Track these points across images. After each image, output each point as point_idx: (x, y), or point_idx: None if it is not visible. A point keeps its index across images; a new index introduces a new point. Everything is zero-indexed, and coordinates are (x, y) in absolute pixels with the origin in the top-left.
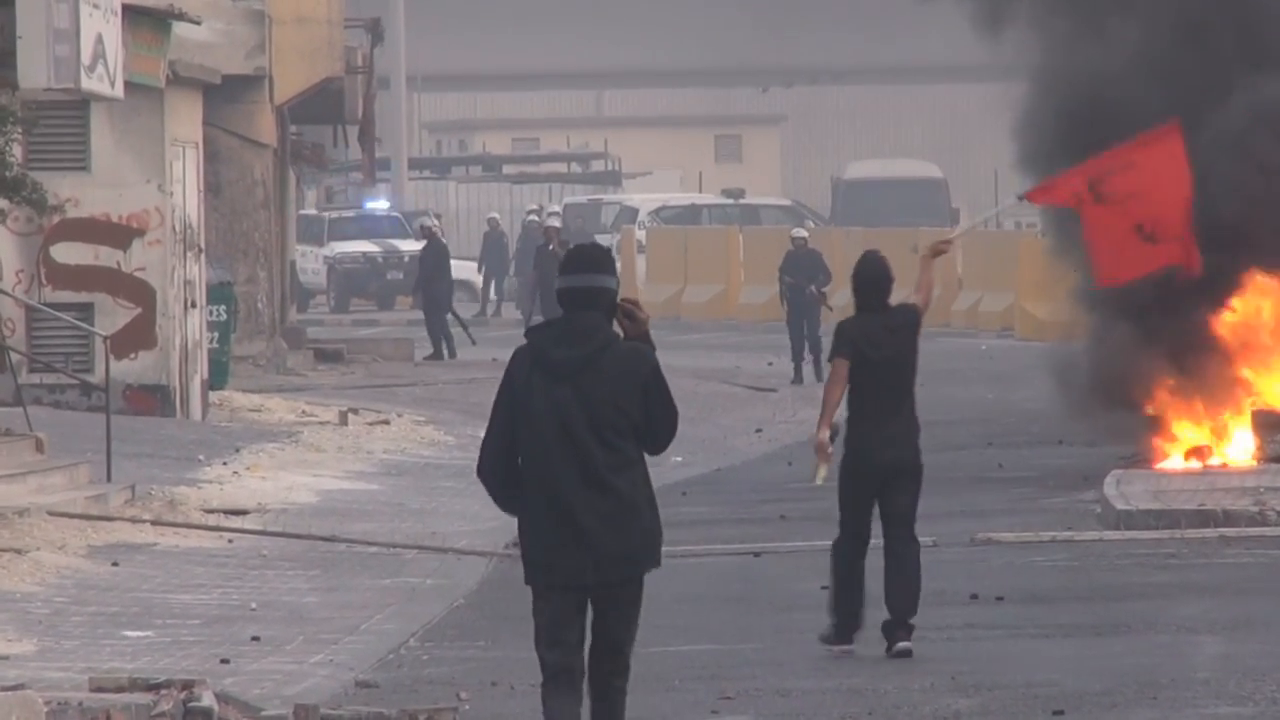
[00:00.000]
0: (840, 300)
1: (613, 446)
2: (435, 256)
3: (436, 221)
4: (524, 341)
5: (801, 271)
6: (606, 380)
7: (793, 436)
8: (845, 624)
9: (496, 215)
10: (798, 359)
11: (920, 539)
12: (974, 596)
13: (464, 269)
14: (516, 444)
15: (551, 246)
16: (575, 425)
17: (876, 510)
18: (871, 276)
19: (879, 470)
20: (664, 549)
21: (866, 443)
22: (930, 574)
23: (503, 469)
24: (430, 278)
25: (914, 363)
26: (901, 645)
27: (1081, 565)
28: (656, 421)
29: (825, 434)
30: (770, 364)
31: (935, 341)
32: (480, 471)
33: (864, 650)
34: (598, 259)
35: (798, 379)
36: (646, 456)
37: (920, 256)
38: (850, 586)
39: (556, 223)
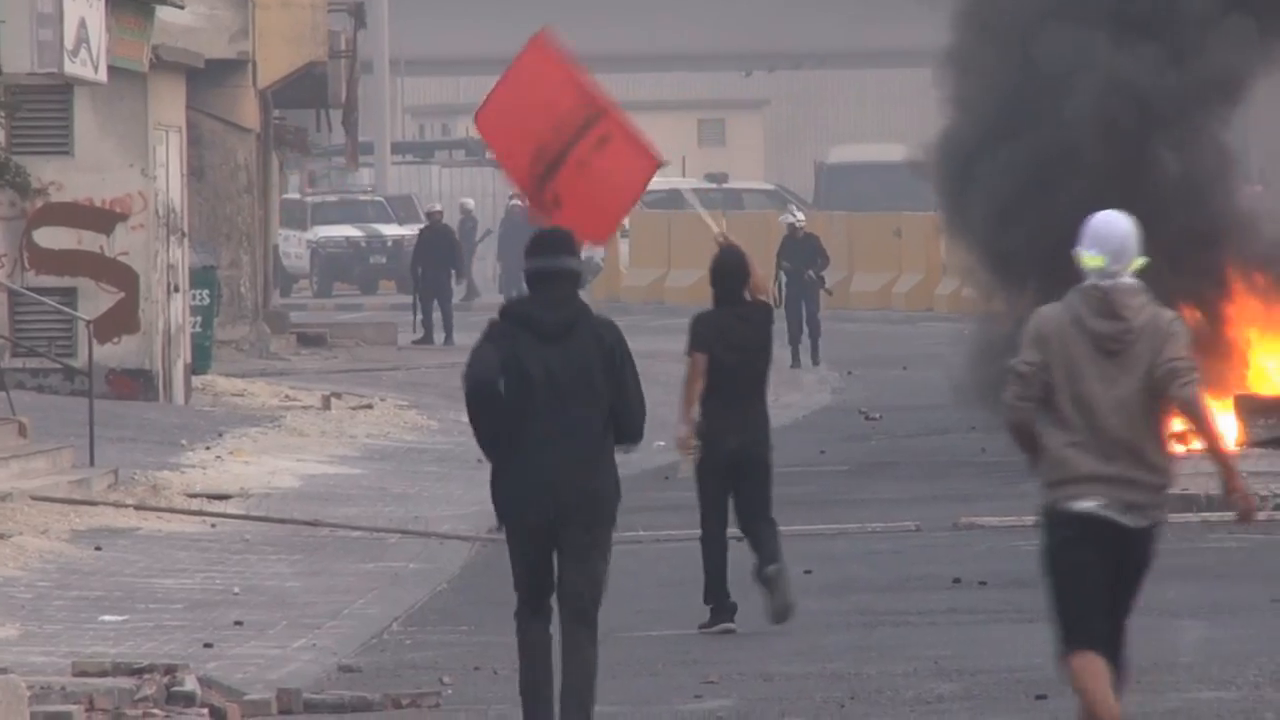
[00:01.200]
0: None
1: (592, 406)
2: (437, 240)
3: (437, 206)
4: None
5: (799, 257)
6: (588, 345)
7: (776, 420)
8: (721, 607)
9: (470, 201)
10: (795, 343)
11: (904, 523)
12: (957, 581)
13: None
14: (495, 404)
15: None
16: (562, 384)
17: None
18: (728, 269)
19: (729, 460)
20: (647, 533)
21: (718, 433)
22: (913, 559)
23: (495, 430)
24: (432, 263)
25: (767, 357)
26: (724, 626)
27: None
28: (628, 391)
29: (685, 430)
30: None
31: (919, 326)
32: (479, 436)
33: (846, 635)
34: (563, 242)
35: (796, 363)
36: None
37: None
38: (718, 569)
39: None
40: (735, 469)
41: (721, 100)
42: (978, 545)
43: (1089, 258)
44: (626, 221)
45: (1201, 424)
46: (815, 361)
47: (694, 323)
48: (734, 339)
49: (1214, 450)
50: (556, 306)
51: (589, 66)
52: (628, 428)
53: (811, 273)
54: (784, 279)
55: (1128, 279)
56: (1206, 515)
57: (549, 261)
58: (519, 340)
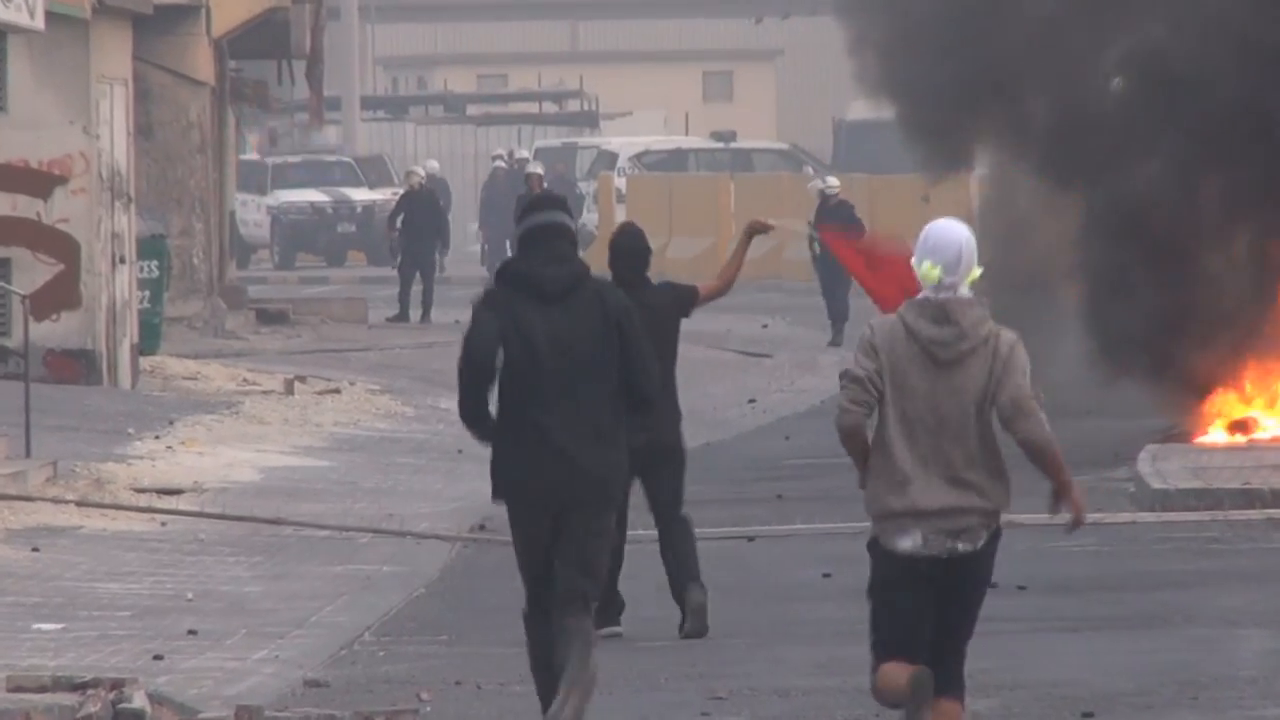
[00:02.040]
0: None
1: (600, 373)
2: (419, 207)
3: (421, 171)
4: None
5: (833, 226)
6: (592, 306)
7: (790, 407)
8: (607, 608)
9: (434, 164)
10: (838, 319)
11: None
12: (993, 585)
13: None
14: (491, 377)
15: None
16: (567, 349)
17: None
18: (628, 249)
19: (637, 452)
20: (646, 533)
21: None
22: None
23: (484, 403)
24: (415, 232)
25: (673, 345)
26: (610, 630)
27: (1113, 551)
28: (638, 355)
29: None
30: (765, 326)
31: None
32: (464, 414)
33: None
34: (559, 200)
35: (837, 340)
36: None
37: (740, 238)
38: (612, 569)
39: (539, 169)
40: (643, 463)
41: (728, 50)
42: (1015, 546)
43: (927, 268)
44: (623, 185)
45: (1048, 459)
46: (836, 343)
47: None
48: None
49: (1060, 479)
50: (557, 263)
51: (581, 13)
52: (639, 394)
53: None
54: (817, 250)
55: (965, 291)
56: (1271, 512)
57: (544, 216)
58: (518, 304)
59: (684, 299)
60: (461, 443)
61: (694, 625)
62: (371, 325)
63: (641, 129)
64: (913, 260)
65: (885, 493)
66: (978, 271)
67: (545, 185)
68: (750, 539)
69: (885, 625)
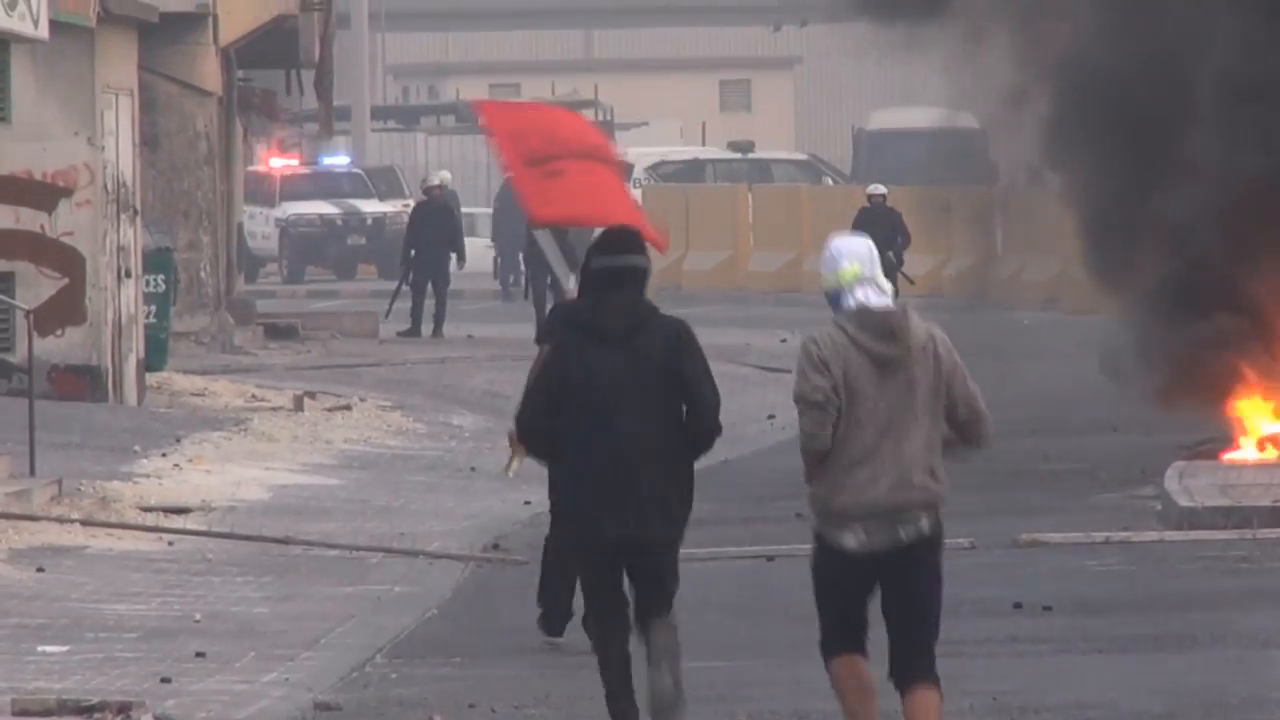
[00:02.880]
0: (926, 264)
1: (660, 411)
2: (433, 218)
3: (438, 180)
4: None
5: (875, 234)
6: (654, 347)
7: None
8: (554, 614)
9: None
10: None
11: (957, 540)
12: (1017, 606)
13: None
14: (558, 408)
15: None
16: (626, 390)
17: None
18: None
19: None
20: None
21: None
22: (968, 581)
23: (547, 428)
24: (429, 243)
25: None
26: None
27: (1139, 570)
28: (699, 392)
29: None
30: (784, 340)
31: (970, 315)
32: (521, 425)
33: None
34: (632, 240)
35: None
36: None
37: None
38: (562, 576)
39: None
40: None
41: (746, 58)
42: (1041, 565)
43: (846, 270)
44: (638, 196)
45: (970, 453)
46: None
47: (552, 311)
48: None
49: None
50: (621, 311)
51: (595, 21)
52: (699, 431)
53: (891, 253)
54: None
55: (889, 295)
56: None
57: (617, 260)
58: (581, 348)
59: None
60: (475, 460)
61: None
62: (382, 340)
63: (657, 139)
64: (824, 271)
65: (832, 490)
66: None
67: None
68: (770, 558)
69: (827, 607)
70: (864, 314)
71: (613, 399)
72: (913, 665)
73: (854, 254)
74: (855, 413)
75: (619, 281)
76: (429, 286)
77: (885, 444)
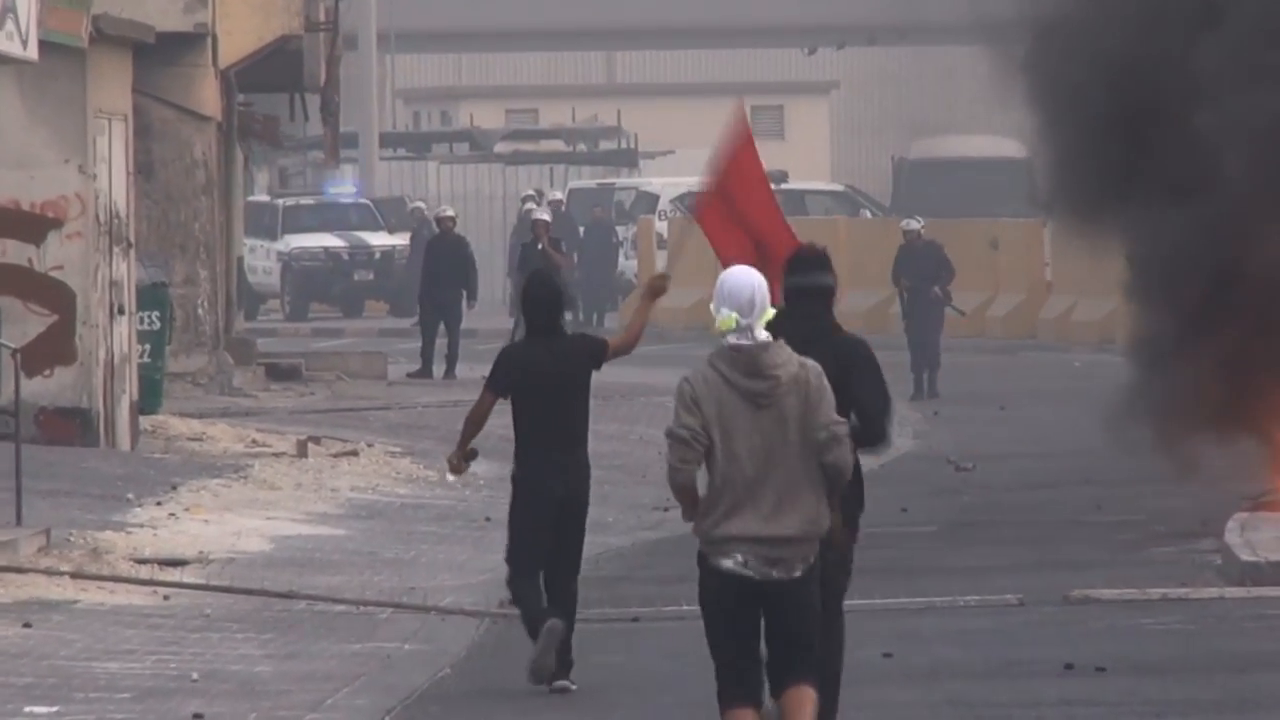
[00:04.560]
0: (971, 301)
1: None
2: (446, 253)
3: (451, 211)
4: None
5: (920, 270)
6: (825, 355)
7: None
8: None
9: (422, 204)
10: (918, 371)
11: (1004, 596)
12: (1069, 667)
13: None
14: None
15: (541, 245)
16: None
17: None
18: (540, 298)
19: (552, 504)
20: (669, 608)
21: (537, 473)
22: (1016, 640)
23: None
24: (441, 280)
25: (584, 396)
26: (560, 684)
27: (1198, 629)
28: (866, 397)
29: (455, 455)
30: None
31: (1019, 357)
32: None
33: None
34: (819, 261)
35: (918, 394)
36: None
37: (641, 294)
38: (541, 611)
39: (546, 215)
40: (556, 513)
41: (779, 84)
42: (1093, 623)
43: (723, 319)
44: (664, 229)
45: (837, 487)
46: (932, 393)
47: (501, 353)
48: (543, 371)
49: (833, 504)
50: (801, 321)
51: (618, 43)
52: (868, 430)
53: (937, 289)
54: (906, 297)
55: (763, 336)
56: None
57: (803, 279)
58: None
59: (595, 350)
60: (489, 509)
61: (539, 662)
62: (391, 382)
63: (684, 168)
64: (711, 307)
65: (714, 521)
66: (771, 312)
67: (554, 236)
68: None
69: (718, 648)
70: (735, 352)
71: None
72: (791, 670)
73: (735, 302)
74: (731, 447)
75: (805, 297)
76: (440, 326)
77: (763, 477)
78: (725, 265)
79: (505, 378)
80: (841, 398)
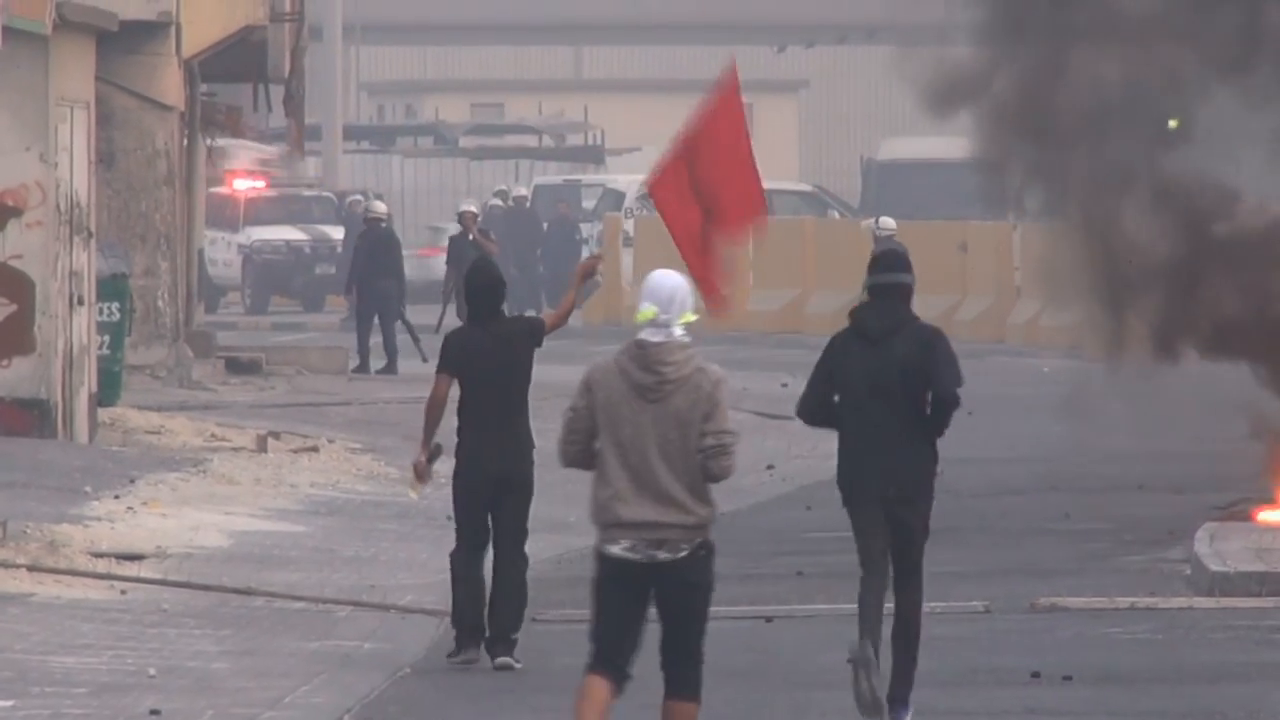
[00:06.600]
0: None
1: (907, 400)
2: (377, 246)
3: (383, 209)
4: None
5: None
6: (909, 347)
7: (812, 475)
8: (468, 635)
9: (360, 197)
10: None
11: (971, 603)
12: (1035, 675)
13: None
14: (830, 395)
15: (471, 236)
16: (881, 382)
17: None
18: (481, 284)
19: (488, 481)
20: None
21: (475, 453)
22: (982, 647)
23: (821, 415)
24: (371, 273)
25: (526, 374)
26: (501, 660)
27: (1166, 639)
28: (939, 372)
29: (423, 457)
30: (785, 385)
31: (986, 361)
32: (800, 413)
33: None
34: (902, 261)
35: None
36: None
37: (573, 274)
38: (472, 596)
39: (472, 207)
40: (494, 492)
41: (747, 81)
42: (1060, 631)
43: (642, 311)
44: (630, 227)
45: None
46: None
47: (445, 340)
48: (486, 354)
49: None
50: (883, 315)
51: (585, 37)
52: (941, 397)
53: None
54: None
55: (675, 335)
56: None
57: (883, 278)
58: (849, 346)
59: (535, 329)
60: (451, 508)
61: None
62: (351, 377)
63: (651, 165)
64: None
65: (602, 507)
66: (692, 316)
67: (482, 227)
68: (768, 619)
69: (600, 624)
70: (638, 346)
71: (867, 389)
72: (675, 678)
73: (656, 297)
74: (617, 435)
75: (884, 294)
76: (375, 321)
77: (646, 466)
78: (675, 241)
79: (454, 359)
80: (921, 380)
